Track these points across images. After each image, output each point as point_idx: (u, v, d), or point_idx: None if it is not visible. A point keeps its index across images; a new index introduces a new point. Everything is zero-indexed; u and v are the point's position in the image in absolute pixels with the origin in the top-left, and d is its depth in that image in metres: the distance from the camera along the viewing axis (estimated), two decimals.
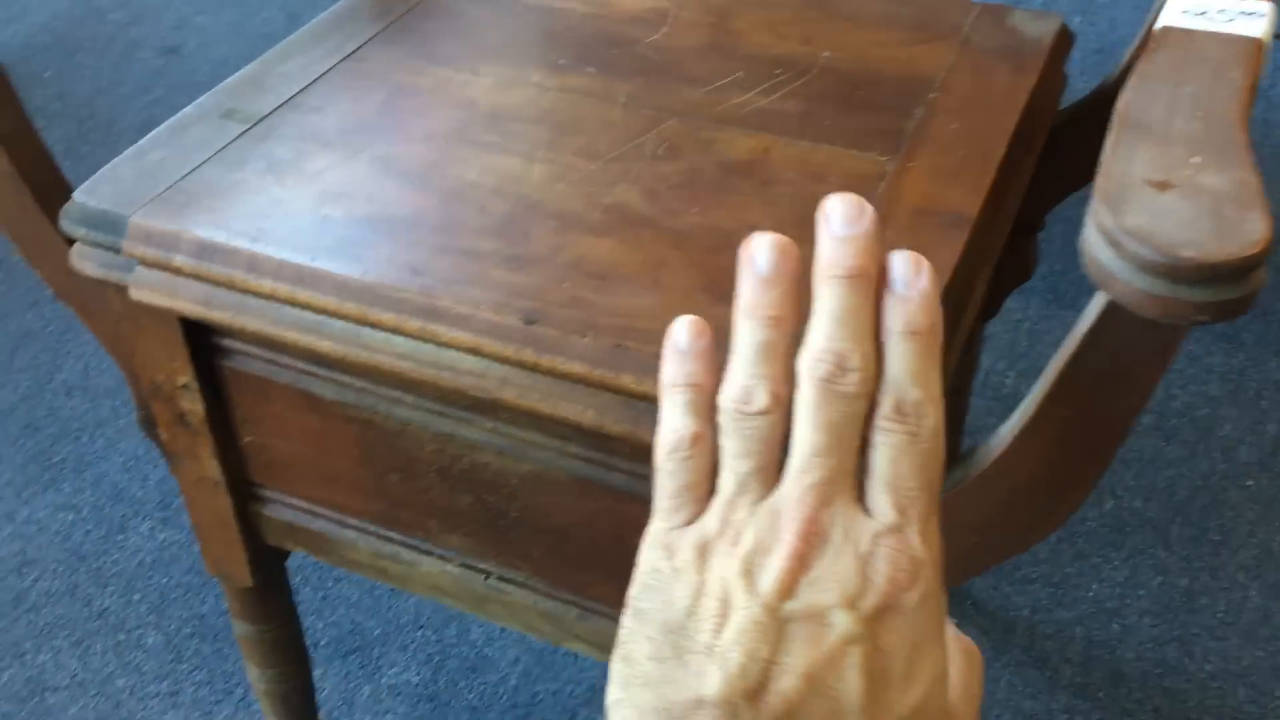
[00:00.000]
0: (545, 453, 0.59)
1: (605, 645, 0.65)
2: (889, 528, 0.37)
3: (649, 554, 0.40)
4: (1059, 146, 0.77)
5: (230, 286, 0.58)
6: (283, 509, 0.71)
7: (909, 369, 0.39)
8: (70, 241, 0.62)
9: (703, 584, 0.37)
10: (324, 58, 0.73)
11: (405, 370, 0.56)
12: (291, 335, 0.58)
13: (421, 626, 1.04)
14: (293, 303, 0.57)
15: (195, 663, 1.02)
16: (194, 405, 0.66)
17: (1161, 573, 1.07)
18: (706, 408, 0.42)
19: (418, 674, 1.00)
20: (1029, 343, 1.32)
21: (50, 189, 0.66)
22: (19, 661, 1.03)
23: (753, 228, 0.59)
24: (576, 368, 0.53)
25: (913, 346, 0.39)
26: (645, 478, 0.57)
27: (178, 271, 0.59)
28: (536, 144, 0.65)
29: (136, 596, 1.08)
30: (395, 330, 0.56)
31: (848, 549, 0.37)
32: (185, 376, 0.65)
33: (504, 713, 0.97)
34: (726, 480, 0.40)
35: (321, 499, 0.69)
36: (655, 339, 0.53)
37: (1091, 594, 1.05)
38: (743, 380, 0.41)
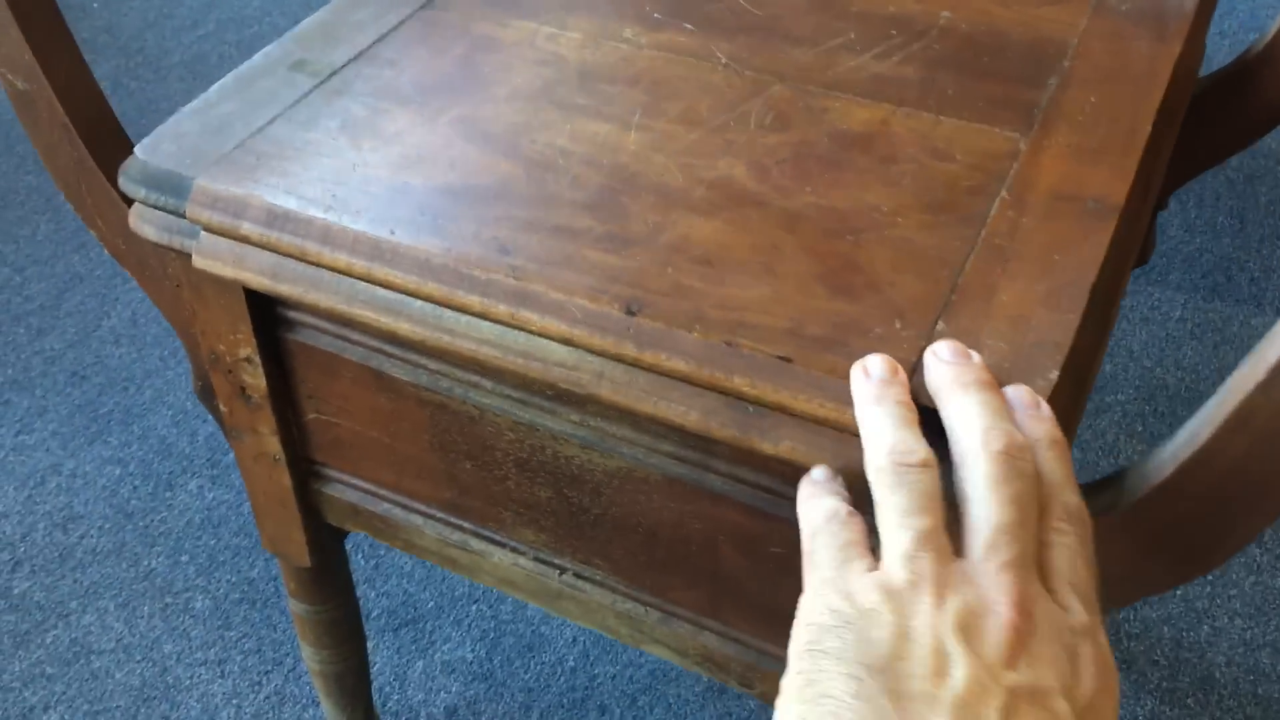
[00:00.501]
0: (636, 449, 0.54)
1: (686, 651, 0.61)
2: (1085, 627, 0.36)
3: (822, 597, 0.38)
4: (1194, 122, 0.71)
5: (301, 258, 0.54)
6: (345, 489, 0.67)
7: (1061, 475, 0.40)
8: (129, 201, 0.58)
9: (906, 629, 0.36)
10: (398, 5, 0.67)
11: (490, 358, 0.51)
12: (367, 314, 0.53)
13: (476, 600, 1.01)
14: (369, 279, 0.53)
15: (244, 630, 0.99)
16: (256, 379, 0.62)
17: (1254, 572, 1.01)
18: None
19: (472, 651, 0.97)
20: (1117, 326, 1.25)
21: (108, 143, 0.61)
22: (64, 622, 1.00)
23: (874, 210, 0.53)
24: (682, 365, 0.48)
25: (1057, 455, 0.41)
26: (745, 481, 0.53)
27: (245, 240, 0.55)
28: (631, 108, 0.59)
29: (184, 558, 1.05)
30: (481, 315, 0.51)
31: (1054, 638, 0.35)
32: (248, 349, 0.60)
33: (561, 695, 0.94)
34: (901, 536, 0.38)
35: (387, 482, 0.65)
36: (769, 336, 0.48)
37: (1180, 593, 1.00)
38: (893, 437, 0.40)
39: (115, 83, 1.64)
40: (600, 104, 0.60)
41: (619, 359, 0.49)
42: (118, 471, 1.13)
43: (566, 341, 0.50)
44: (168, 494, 1.10)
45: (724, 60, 0.63)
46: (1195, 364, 1.19)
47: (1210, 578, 1.01)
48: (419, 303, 0.52)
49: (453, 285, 0.51)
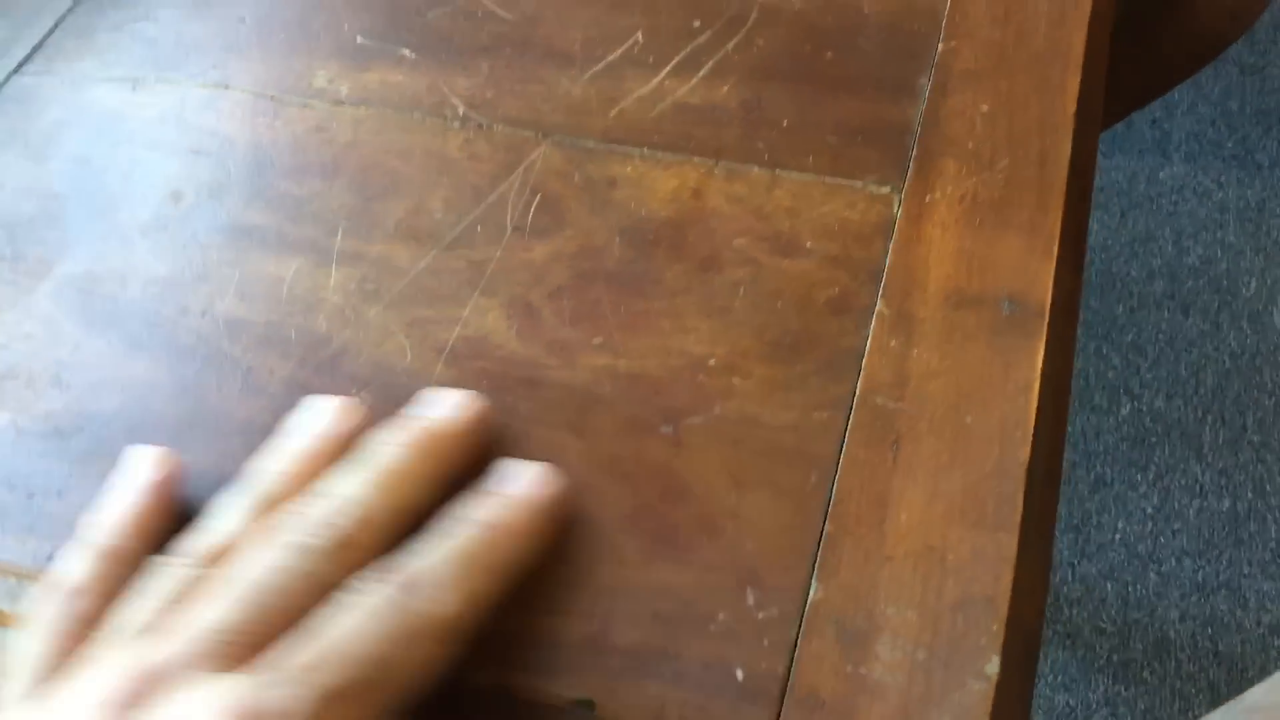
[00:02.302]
0: None
1: None
2: None
3: None
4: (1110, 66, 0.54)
5: None
6: None
7: None
8: None
9: None
10: None
11: None
12: None
13: None
14: None
15: None
16: None
17: (1198, 494, 0.90)
18: None
19: None
20: None
21: None
22: None
23: (698, 368, 0.36)
24: None
25: None
26: None
27: None
28: (330, 221, 0.40)
29: None
30: None
31: None
32: None
33: None
34: None
35: None
36: (555, 661, 0.30)
37: (1119, 535, 0.88)
38: None
39: None
40: (285, 220, 0.41)
41: None
42: None
43: None
44: None
45: (462, 109, 0.43)
46: (1100, 231, 1.05)
47: (1150, 509, 0.89)
48: None
49: None
